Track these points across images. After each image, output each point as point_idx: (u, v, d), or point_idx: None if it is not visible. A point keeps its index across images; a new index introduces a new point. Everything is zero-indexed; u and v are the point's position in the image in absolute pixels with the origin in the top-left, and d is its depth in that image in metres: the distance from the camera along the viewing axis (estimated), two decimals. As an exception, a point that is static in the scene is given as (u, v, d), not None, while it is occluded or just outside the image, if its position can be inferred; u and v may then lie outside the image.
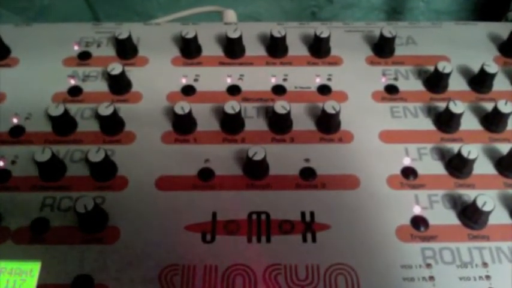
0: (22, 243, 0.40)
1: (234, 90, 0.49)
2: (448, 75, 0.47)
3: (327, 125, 0.45)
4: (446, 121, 0.45)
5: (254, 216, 0.41)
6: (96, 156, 0.42)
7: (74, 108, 0.47)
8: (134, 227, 0.41)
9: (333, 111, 0.44)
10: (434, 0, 0.88)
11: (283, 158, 0.44)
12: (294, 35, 0.52)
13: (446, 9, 0.89)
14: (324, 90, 0.49)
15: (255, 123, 0.46)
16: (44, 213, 0.41)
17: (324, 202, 0.42)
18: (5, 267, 0.39)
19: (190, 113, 0.45)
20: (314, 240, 0.40)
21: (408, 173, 0.43)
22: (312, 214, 0.41)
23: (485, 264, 0.39)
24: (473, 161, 0.42)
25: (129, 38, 0.50)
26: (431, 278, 0.38)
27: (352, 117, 0.47)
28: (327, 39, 0.50)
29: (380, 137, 0.46)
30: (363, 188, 0.43)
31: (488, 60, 0.49)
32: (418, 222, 0.41)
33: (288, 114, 0.45)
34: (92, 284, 0.38)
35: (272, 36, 0.50)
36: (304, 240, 0.40)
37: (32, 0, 0.85)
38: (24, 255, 0.39)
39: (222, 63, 0.51)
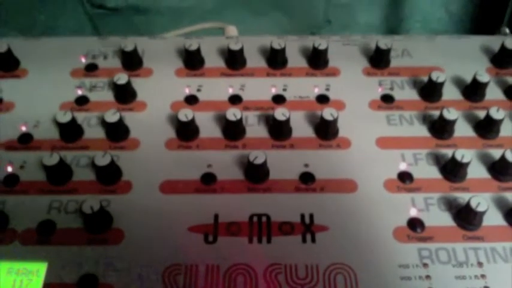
0: (29, 244, 0.41)
1: (235, 99, 0.50)
2: (441, 84, 0.49)
3: (326, 131, 0.47)
4: (440, 128, 0.47)
5: (255, 218, 0.42)
6: (102, 160, 0.43)
7: (80, 116, 0.49)
8: (138, 229, 0.42)
9: (331, 118, 0.46)
10: (431, 20, 0.90)
11: (283, 163, 0.46)
12: (293, 47, 0.54)
13: (442, 30, 0.91)
14: (323, 99, 0.50)
15: (255, 130, 0.48)
16: (50, 215, 0.43)
17: (322, 205, 0.43)
18: (12, 267, 0.40)
19: (193, 120, 0.46)
20: (313, 241, 0.41)
21: (404, 177, 0.45)
22: (311, 216, 0.42)
23: (480, 264, 0.40)
24: (466, 164, 0.43)
25: (135, 50, 0.52)
26: (428, 277, 0.39)
27: (350, 124, 0.48)
28: (325, 51, 0.52)
29: (377, 143, 0.47)
30: (361, 191, 0.44)
31: (480, 70, 0.50)
32: (415, 223, 0.42)
33: (288, 121, 0.46)
34: (97, 283, 0.39)
35: (272, 49, 0.52)
36: (304, 241, 0.41)
37: (37, 21, 0.88)
38: (30, 256, 0.40)
39: (224, 74, 0.52)
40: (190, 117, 0.46)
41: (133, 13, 0.86)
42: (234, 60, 0.53)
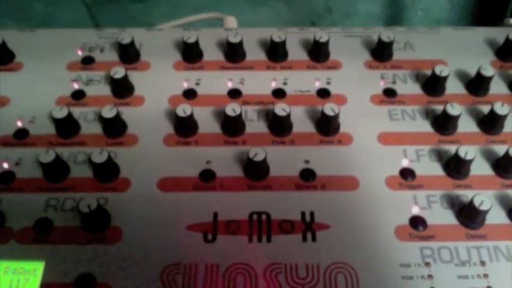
0: (26, 243, 0.40)
1: (234, 93, 0.49)
2: (445, 78, 0.48)
3: (327, 127, 0.46)
4: (443, 123, 0.46)
5: (255, 217, 0.42)
6: (100, 157, 0.42)
7: (77, 111, 0.48)
8: (137, 227, 0.41)
9: (332, 113, 0.45)
10: (433, 9, 0.89)
11: (284, 159, 0.45)
12: (293, 40, 0.53)
13: (444, 19, 0.90)
14: (324, 93, 0.49)
15: (255, 125, 0.47)
16: (47, 213, 0.42)
17: (323, 202, 0.42)
18: (8, 266, 0.39)
19: (191, 115, 0.45)
20: (314, 239, 0.41)
21: (406, 174, 0.44)
22: (311, 214, 0.42)
23: (483, 263, 0.39)
24: (470, 161, 0.43)
25: (132, 43, 0.51)
26: (430, 276, 0.39)
27: (351, 119, 0.47)
28: (326, 44, 0.51)
29: (379, 139, 0.46)
30: (362, 188, 0.43)
31: (485, 64, 0.49)
32: (417, 222, 0.41)
33: (288, 116, 0.45)
34: (95, 282, 0.38)
35: (272, 41, 0.51)
36: (304, 239, 0.41)
37: (34, 10, 0.87)
38: (27, 255, 0.40)
39: (223, 68, 0.52)
40: (188, 113, 0.45)
41: (131, 2, 0.85)
42: (234, 53, 0.52)
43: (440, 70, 0.48)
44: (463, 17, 0.90)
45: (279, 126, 0.46)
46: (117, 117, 0.46)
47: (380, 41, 0.51)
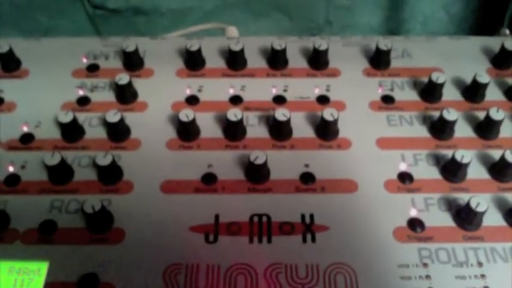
0: (30, 244, 0.41)
1: (236, 100, 0.50)
2: (441, 85, 0.49)
3: (326, 131, 0.47)
4: (440, 128, 0.47)
5: (255, 218, 0.42)
6: (104, 160, 0.43)
7: (82, 116, 0.49)
8: (139, 228, 0.42)
9: (331, 119, 0.46)
10: (431, 22, 0.91)
11: (284, 163, 0.46)
12: (293, 48, 0.54)
13: (442, 31, 0.91)
14: (323, 100, 0.50)
15: (256, 130, 0.48)
16: (52, 215, 0.43)
17: (323, 205, 0.43)
18: (13, 266, 0.40)
19: (194, 120, 0.46)
20: (314, 240, 0.41)
21: (404, 177, 0.45)
22: (311, 216, 0.43)
23: (480, 264, 0.40)
24: (466, 165, 0.44)
25: (136, 51, 0.52)
26: (428, 276, 0.39)
27: (350, 125, 0.48)
28: (325, 52, 0.52)
29: (377, 144, 0.47)
30: (361, 191, 0.44)
31: (480, 71, 0.50)
32: (415, 223, 0.42)
33: (288, 121, 0.46)
34: (98, 282, 0.39)
35: (273, 49, 0.52)
36: (304, 240, 0.41)
37: (38, 22, 0.88)
38: (32, 255, 0.40)
39: (224, 75, 0.53)
40: (191, 118, 0.46)
41: (134, 14, 0.87)
42: (235, 61, 0.53)
43: (437, 77, 0.49)
44: (461, 30, 0.91)
45: (280, 131, 0.47)
46: (121, 122, 0.47)
47: (378, 50, 0.52)
